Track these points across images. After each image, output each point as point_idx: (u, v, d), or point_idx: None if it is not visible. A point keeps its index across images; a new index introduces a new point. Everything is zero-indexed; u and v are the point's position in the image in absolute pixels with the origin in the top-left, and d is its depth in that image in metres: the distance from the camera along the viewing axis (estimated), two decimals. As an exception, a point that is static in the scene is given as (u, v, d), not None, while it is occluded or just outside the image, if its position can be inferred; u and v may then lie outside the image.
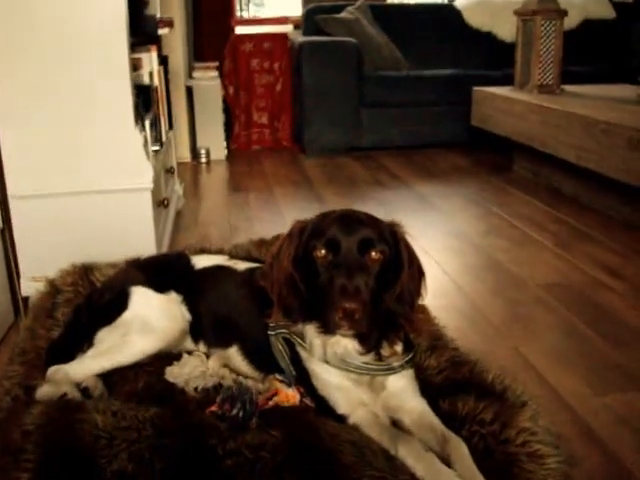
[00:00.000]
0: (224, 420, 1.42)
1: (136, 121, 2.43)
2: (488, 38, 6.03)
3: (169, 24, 3.61)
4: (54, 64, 2.32)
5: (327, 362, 1.53)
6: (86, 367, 1.75)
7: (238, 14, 6.45)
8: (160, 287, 1.89)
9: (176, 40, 4.83)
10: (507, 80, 4.97)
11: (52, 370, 1.76)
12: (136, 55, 2.94)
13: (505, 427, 1.46)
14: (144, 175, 2.44)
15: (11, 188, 2.42)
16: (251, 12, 6.85)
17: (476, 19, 6.06)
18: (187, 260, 2.00)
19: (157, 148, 2.95)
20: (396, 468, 1.33)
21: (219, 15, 6.10)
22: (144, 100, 2.79)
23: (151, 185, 2.46)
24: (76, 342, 1.88)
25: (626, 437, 1.76)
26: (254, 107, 5.81)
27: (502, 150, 5.07)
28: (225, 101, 5.64)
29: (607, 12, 6.06)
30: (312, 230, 1.49)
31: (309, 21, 5.78)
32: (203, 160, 5.30)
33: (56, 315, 2.09)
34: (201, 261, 1.99)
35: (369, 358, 1.53)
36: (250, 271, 1.91)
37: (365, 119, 5.37)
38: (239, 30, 5.75)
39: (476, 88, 4.91)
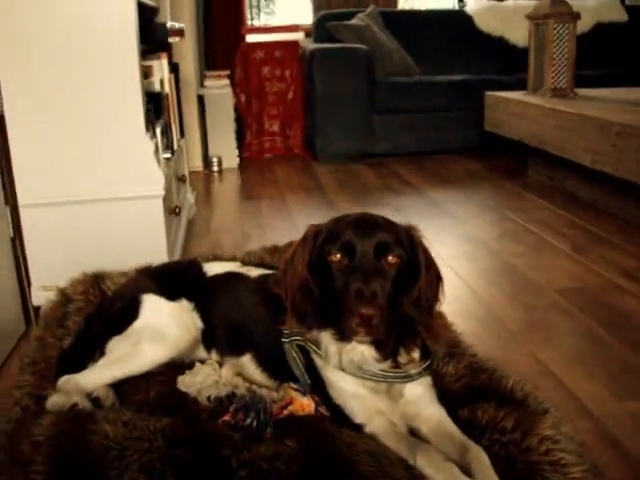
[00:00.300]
0: (237, 430, 1.38)
1: (147, 128, 2.41)
2: (500, 43, 6.00)
3: (180, 33, 3.60)
4: (64, 72, 2.31)
5: (343, 370, 1.50)
6: (97, 377, 1.73)
7: (249, 22, 6.45)
8: (171, 295, 1.86)
9: (187, 48, 4.83)
10: (519, 85, 4.92)
11: (63, 380, 1.74)
12: (147, 62, 2.94)
13: (527, 435, 1.42)
14: (155, 182, 2.42)
15: (21, 196, 2.40)
16: (262, 20, 6.86)
17: (487, 24, 6.03)
18: (199, 267, 1.98)
19: (168, 156, 2.94)
20: (415, 478, 1.30)
21: (230, 24, 6.12)
22: (155, 107, 2.78)
23: (162, 192, 2.44)
24: (87, 351, 1.86)
25: (651, 445, 1.71)
26: (266, 115, 5.80)
27: (515, 155, 5.02)
28: (237, 109, 5.64)
29: (619, 15, 6.01)
30: (327, 234, 1.46)
31: (320, 28, 5.77)
32: (215, 169, 5.29)
33: (67, 324, 2.07)
34: (213, 268, 1.96)
35: (386, 365, 1.50)
36: (263, 278, 1.88)
37: (377, 125, 5.35)
38: (250, 38, 5.76)
39: (489, 93, 4.87)
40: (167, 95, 3.12)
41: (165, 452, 1.27)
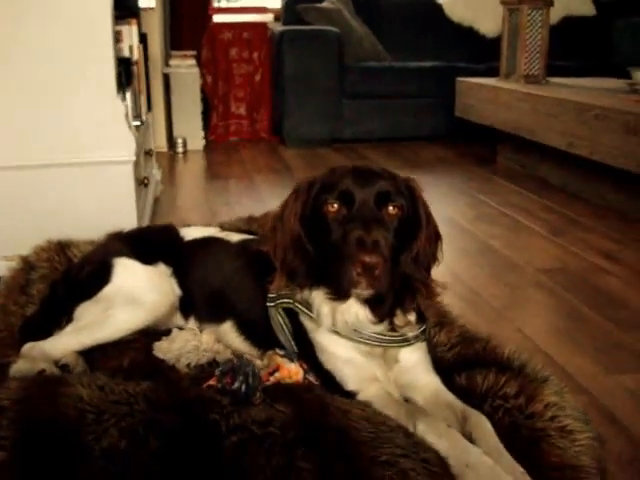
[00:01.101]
0: (225, 394, 1.27)
1: (118, 90, 2.27)
2: (469, 33, 5.97)
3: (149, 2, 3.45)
4: (29, 25, 2.15)
5: (336, 332, 1.40)
6: (65, 343, 1.60)
7: (215, 3, 6.29)
8: (147, 259, 1.74)
9: (154, 23, 4.66)
10: (490, 73, 4.91)
11: (27, 347, 1.61)
12: (117, 27, 2.79)
13: (531, 401, 1.34)
14: (126, 147, 2.29)
15: (-20, 160, 2.24)
16: (225, 4, 6.69)
17: (457, 14, 6.00)
18: (176, 232, 1.86)
19: (138, 124, 2.79)
20: (417, 445, 1.21)
21: (196, 3, 5.94)
22: (125, 72, 2.63)
23: (134, 158, 2.30)
24: (53, 318, 1.73)
25: (647, 417, 1.66)
26: (232, 97, 5.66)
27: (485, 142, 4.99)
28: (203, 91, 5.48)
29: (587, 9, 6.04)
30: (322, 184, 1.36)
31: (289, 11, 5.65)
32: (180, 150, 5.13)
33: (30, 292, 1.93)
34: (190, 232, 1.85)
35: (381, 328, 1.41)
36: (244, 242, 1.78)
37: (346, 110, 5.26)
38: (218, 18, 5.60)
39: (460, 79, 4.84)
40: (136, 62, 2.98)
41: (148, 416, 1.15)
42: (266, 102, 5.69)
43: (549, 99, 3.66)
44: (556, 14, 5.71)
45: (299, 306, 1.45)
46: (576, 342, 2.07)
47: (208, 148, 5.35)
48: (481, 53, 5.71)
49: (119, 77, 2.30)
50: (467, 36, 5.95)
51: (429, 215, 1.41)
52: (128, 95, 2.54)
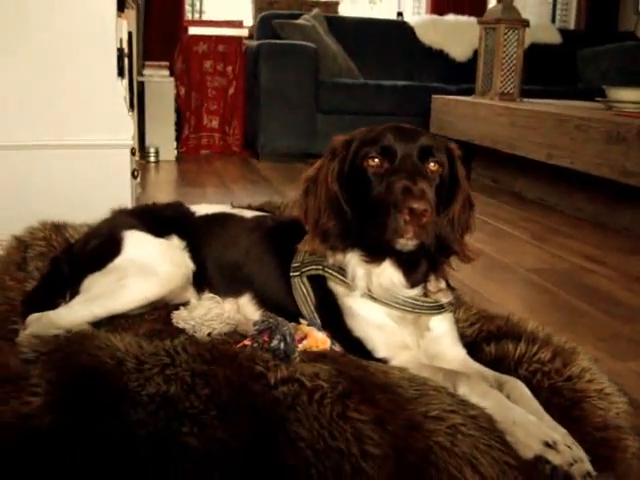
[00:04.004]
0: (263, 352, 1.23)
1: (119, 73, 2.23)
2: (440, 56, 6.09)
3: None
4: (34, 8, 2.10)
5: (369, 297, 1.37)
6: (75, 314, 1.52)
7: (188, 16, 6.28)
8: (159, 232, 1.69)
9: (131, 26, 4.60)
10: (462, 94, 5.01)
11: (33, 317, 1.52)
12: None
13: (566, 366, 1.34)
14: (125, 130, 2.23)
15: (-29, 137, 2.16)
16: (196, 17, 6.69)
17: (428, 37, 6.12)
18: (186, 207, 1.81)
19: (130, 113, 2.73)
20: (464, 403, 1.19)
21: (169, 16, 5.92)
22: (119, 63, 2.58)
23: (131, 142, 2.25)
24: (57, 291, 1.66)
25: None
26: (205, 110, 5.62)
27: (458, 160, 5.07)
28: (176, 102, 5.43)
29: (553, 37, 6.25)
30: (361, 140, 1.34)
31: (264, 27, 5.67)
32: (152, 159, 5.05)
33: (28, 268, 1.85)
34: (201, 209, 1.80)
35: (415, 293, 1.38)
36: (259, 217, 1.75)
37: (321, 125, 5.27)
38: (193, 31, 5.59)
39: (436, 96, 4.92)
40: (127, 55, 2.93)
41: (192, 366, 1.10)
42: (239, 116, 5.67)
43: (528, 112, 3.75)
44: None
45: (329, 271, 1.42)
46: (575, 333, 2.08)
47: (180, 159, 5.29)
48: (451, 75, 5.83)
49: (119, 59, 2.25)
50: (438, 58, 6.06)
51: (465, 180, 1.40)
52: (124, 82, 2.49)
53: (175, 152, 5.26)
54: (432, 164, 1.31)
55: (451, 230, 1.36)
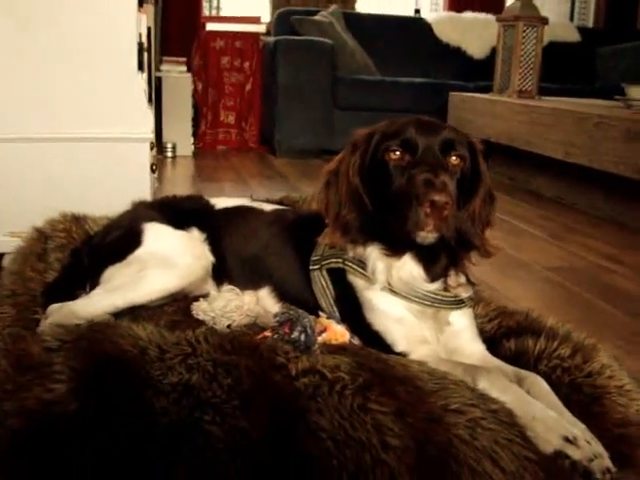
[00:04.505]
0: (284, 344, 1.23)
1: (139, 66, 2.24)
2: (457, 53, 6.07)
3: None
4: (56, 2, 2.11)
5: (389, 290, 1.37)
6: (96, 304, 1.53)
7: (205, 12, 6.30)
8: (179, 225, 1.70)
9: (149, 21, 4.62)
10: (479, 91, 4.98)
11: (54, 307, 1.54)
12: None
13: (586, 361, 1.33)
14: (144, 124, 2.24)
15: (-6, 129, 2.17)
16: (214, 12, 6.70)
17: (446, 34, 6.10)
18: (206, 200, 1.82)
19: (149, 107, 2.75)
20: (484, 397, 1.18)
21: (186, 12, 5.94)
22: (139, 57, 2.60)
23: (151, 135, 2.26)
24: (77, 282, 1.67)
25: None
26: (222, 106, 5.64)
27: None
28: (193, 97, 5.45)
29: (572, 35, 6.21)
30: (383, 133, 1.35)
31: (281, 23, 5.68)
32: (169, 154, 5.07)
33: (48, 260, 1.86)
34: (221, 202, 1.81)
35: (435, 287, 1.38)
36: (279, 211, 1.75)
37: (337, 122, 5.27)
38: (210, 27, 5.60)
39: (453, 93, 4.90)
40: (146, 50, 2.94)
41: (213, 356, 1.11)
42: (255, 112, 5.68)
43: (546, 109, 3.73)
44: (542, 39, 5.87)
45: (349, 264, 1.42)
46: (593, 331, 2.05)
47: (197, 154, 5.31)
48: (468, 72, 5.81)
49: (140, 52, 2.26)
50: (455, 56, 6.04)
51: (487, 174, 1.40)
52: (144, 76, 2.51)
53: (192, 147, 5.27)
54: (454, 158, 1.31)
55: (472, 224, 1.36)
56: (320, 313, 1.47)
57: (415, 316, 1.38)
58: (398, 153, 1.29)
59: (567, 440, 1.12)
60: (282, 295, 1.58)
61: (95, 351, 1.09)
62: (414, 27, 6.11)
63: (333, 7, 5.86)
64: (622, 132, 3.11)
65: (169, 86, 5.13)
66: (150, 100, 3.57)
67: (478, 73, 5.67)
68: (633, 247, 3.09)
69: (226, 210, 1.75)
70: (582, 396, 1.27)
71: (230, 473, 0.96)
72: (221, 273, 1.68)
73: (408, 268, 1.36)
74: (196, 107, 5.52)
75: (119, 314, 1.53)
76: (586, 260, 2.82)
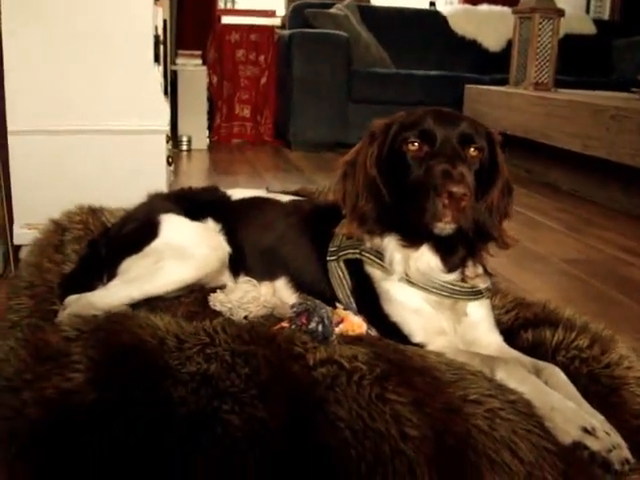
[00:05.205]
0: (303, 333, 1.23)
1: (156, 58, 2.24)
2: (473, 46, 6.03)
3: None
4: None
5: (407, 281, 1.37)
6: (113, 296, 1.54)
7: (220, 5, 6.30)
8: (195, 216, 1.70)
9: (165, 14, 4.63)
10: (494, 84, 4.95)
11: (72, 298, 1.55)
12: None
13: (605, 352, 1.32)
14: (160, 116, 2.25)
15: (11, 123, 2.18)
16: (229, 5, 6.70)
17: (461, 27, 6.06)
18: (222, 191, 1.82)
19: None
20: (502, 387, 1.18)
21: (201, 5, 5.94)
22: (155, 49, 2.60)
23: (167, 127, 2.27)
24: (95, 274, 1.68)
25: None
26: (237, 99, 5.64)
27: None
28: (208, 90, 5.45)
29: (588, 28, 6.15)
30: (401, 124, 1.34)
31: (296, 16, 5.67)
32: (184, 148, 5.09)
33: (65, 251, 1.87)
34: (237, 193, 1.81)
35: (452, 278, 1.38)
36: (296, 202, 1.75)
37: (352, 115, 5.25)
38: (225, 20, 5.60)
39: (469, 86, 4.88)
40: (162, 42, 2.95)
41: (232, 346, 1.11)
42: (270, 105, 5.68)
43: (563, 102, 3.70)
44: (558, 31, 5.82)
45: (367, 255, 1.42)
46: (611, 323, 2.03)
47: (212, 148, 5.32)
48: (484, 65, 5.77)
49: (156, 45, 2.27)
50: (470, 48, 6.01)
51: (505, 166, 1.39)
52: (160, 69, 2.51)
53: (207, 141, 5.29)
54: (472, 149, 1.30)
55: (489, 216, 1.36)
56: (337, 304, 1.47)
57: (433, 307, 1.38)
58: (416, 144, 1.29)
59: (586, 431, 1.11)
60: (299, 286, 1.58)
61: (113, 341, 1.10)
62: (429, 20, 6.08)
63: (348, 0, 5.84)
64: (638, 124, 3.08)
65: (184, 79, 5.14)
66: (166, 93, 3.58)
67: (494, 66, 5.63)
68: (651, 240, 3.06)
69: (242, 201, 1.75)
70: (600, 387, 1.26)
71: (249, 462, 0.96)
72: (237, 264, 1.68)
73: (426, 259, 1.35)
74: (211, 100, 5.53)
75: (136, 305, 1.54)
76: (603, 253, 2.80)
